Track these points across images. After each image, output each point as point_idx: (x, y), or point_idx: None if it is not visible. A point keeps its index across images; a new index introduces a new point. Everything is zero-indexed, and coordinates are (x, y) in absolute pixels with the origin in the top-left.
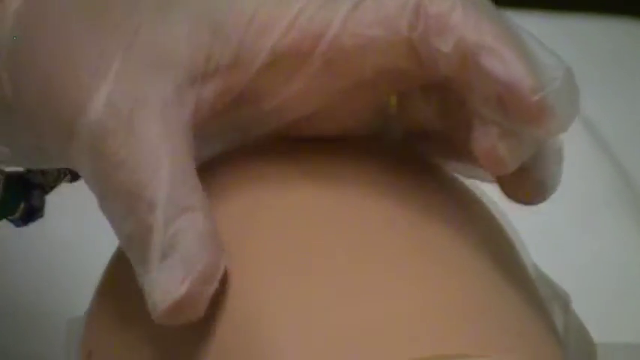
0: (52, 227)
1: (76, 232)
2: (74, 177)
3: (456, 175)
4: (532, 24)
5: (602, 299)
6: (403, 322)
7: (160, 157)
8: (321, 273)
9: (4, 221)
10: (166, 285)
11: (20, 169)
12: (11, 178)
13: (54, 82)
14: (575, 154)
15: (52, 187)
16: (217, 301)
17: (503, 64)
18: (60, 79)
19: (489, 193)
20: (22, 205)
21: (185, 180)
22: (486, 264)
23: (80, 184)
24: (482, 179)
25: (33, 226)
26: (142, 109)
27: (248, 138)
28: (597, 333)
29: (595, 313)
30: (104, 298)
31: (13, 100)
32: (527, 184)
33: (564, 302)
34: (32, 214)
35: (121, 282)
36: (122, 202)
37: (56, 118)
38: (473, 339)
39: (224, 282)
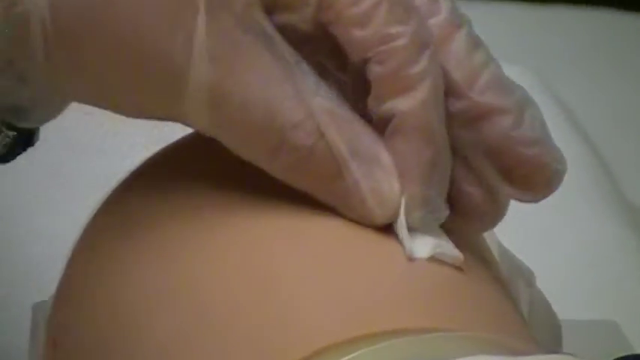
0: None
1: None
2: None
3: None
4: (511, 14)
5: (582, 289)
6: (359, 296)
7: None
8: (285, 253)
9: None
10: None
11: None
12: None
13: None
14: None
15: None
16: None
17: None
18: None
19: None
20: None
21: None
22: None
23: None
24: None
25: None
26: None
27: None
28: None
29: (575, 303)
30: (69, 283)
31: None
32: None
33: (528, 279)
34: None
35: (87, 266)
36: (265, 137)
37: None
38: (431, 314)
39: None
